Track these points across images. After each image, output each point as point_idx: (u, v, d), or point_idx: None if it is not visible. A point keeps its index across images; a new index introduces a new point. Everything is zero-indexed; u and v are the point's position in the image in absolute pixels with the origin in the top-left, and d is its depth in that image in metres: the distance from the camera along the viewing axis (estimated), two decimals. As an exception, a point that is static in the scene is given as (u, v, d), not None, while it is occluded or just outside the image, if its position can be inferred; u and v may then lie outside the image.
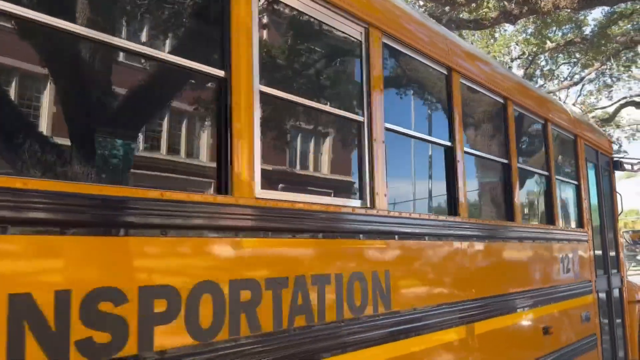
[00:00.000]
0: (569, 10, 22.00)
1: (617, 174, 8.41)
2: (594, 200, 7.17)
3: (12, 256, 1.71)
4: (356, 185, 3.27)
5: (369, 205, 3.23)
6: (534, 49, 28.29)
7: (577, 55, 28.36)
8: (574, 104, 33.58)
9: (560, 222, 5.93)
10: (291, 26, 3.25)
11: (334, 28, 3.24)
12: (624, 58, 27.63)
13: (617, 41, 24.11)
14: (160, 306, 2.05)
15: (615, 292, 7.35)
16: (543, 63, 30.55)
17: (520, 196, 4.97)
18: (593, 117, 32.44)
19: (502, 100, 4.93)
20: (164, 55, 2.46)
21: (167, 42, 2.71)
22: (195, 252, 2.24)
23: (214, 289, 2.26)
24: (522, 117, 5.38)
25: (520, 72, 30.08)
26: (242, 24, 2.56)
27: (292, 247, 2.65)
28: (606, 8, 23.22)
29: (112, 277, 1.93)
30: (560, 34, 28.04)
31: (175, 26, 2.68)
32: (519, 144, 5.29)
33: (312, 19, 3.10)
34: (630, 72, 30.19)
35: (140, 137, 2.75)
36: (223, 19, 2.54)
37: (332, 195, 3.27)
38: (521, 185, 5.16)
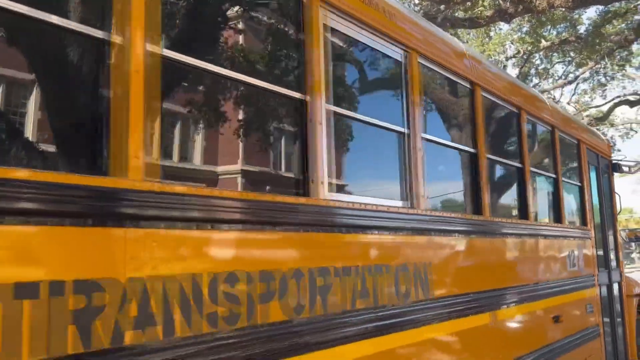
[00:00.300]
0: (563, 9, 22.54)
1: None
2: (595, 200, 7.87)
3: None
4: (402, 189, 3.89)
5: (412, 205, 3.86)
6: (529, 48, 28.73)
7: (572, 54, 28.71)
8: (568, 103, 34.25)
9: (567, 221, 6.61)
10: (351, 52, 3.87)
11: (380, 51, 3.86)
12: (618, 57, 27.99)
13: (611, 40, 24.58)
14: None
15: (615, 287, 8.05)
16: (538, 62, 31.02)
17: (533, 197, 5.63)
18: (587, 115, 33.11)
19: (516, 110, 5.58)
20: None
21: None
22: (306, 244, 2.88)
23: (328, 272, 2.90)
24: (533, 125, 6.04)
25: (515, 71, 30.74)
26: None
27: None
28: (600, 7, 23.48)
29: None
30: (555, 32, 28.35)
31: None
32: (531, 149, 5.95)
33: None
34: (624, 71, 30.76)
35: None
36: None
37: (385, 197, 3.89)
38: (533, 187, 5.81)
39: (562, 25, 27.31)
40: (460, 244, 4.30)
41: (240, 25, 3.26)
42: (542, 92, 30.43)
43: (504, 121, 5.66)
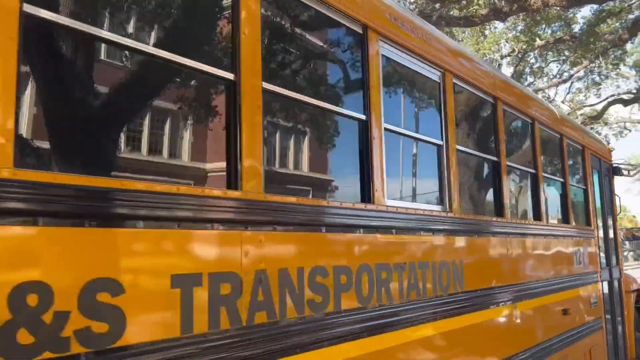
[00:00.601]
0: (558, 8, 23.17)
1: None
2: (597, 201, 8.63)
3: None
4: (439, 195, 4.57)
5: (448, 209, 4.54)
6: (524, 47, 29.20)
7: (566, 53, 29.35)
8: (562, 102, 35.03)
9: (573, 221, 7.35)
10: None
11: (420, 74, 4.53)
12: (612, 56, 28.78)
13: (605, 39, 25.26)
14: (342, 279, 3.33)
15: (615, 283, 8.82)
16: (533, 60, 31.71)
17: (546, 200, 6.35)
18: (581, 114, 33.89)
19: (530, 120, 6.29)
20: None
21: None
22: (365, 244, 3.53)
23: (371, 269, 3.54)
24: (545, 134, 6.74)
25: (510, 70, 31.40)
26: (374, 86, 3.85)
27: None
28: (595, 6, 24.13)
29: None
30: (549, 31, 28.96)
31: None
32: (544, 157, 6.67)
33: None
34: (618, 70, 31.54)
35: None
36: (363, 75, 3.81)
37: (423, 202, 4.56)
38: (545, 191, 6.52)
39: (556, 24, 27.95)
40: (489, 243, 5.00)
41: (320, 60, 3.95)
42: (537, 90, 31.14)
43: (521, 132, 6.37)
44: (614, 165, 9.45)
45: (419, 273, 3.95)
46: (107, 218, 2.24)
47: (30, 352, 1.95)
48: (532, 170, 6.24)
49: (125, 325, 2.22)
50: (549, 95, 32.92)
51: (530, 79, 32.49)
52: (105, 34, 2.51)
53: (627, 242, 36.33)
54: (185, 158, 3.18)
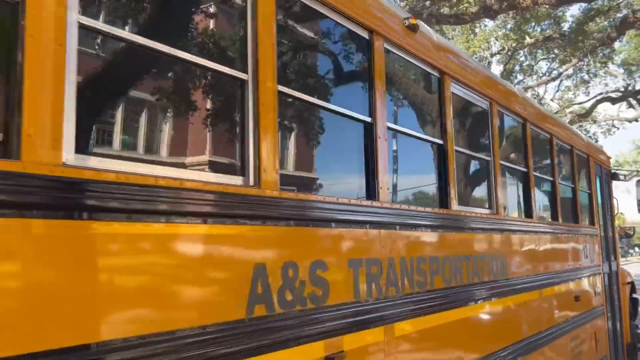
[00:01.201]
0: (547, 6, 24.54)
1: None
2: (599, 204, 10.36)
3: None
4: (485, 196, 6.11)
5: (495, 211, 6.08)
6: (514, 45, 30.23)
7: (556, 51, 30.81)
8: (552, 99, 36.63)
9: (582, 222, 9.01)
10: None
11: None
12: (601, 54, 30.28)
13: (594, 38, 26.65)
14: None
15: (614, 276, 10.54)
16: (522, 58, 32.88)
17: (561, 204, 7.97)
18: (570, 112, 35.49)
19: (548, 136, 7.88)
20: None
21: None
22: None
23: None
24: (559, 147, 8.37)
25: (500, 68, 32.83)
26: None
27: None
28: (584, 4, 25.39)
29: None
30: (539, 29, 30.24)
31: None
32: (559, 166, 8.30)
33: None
34: (606, 68, 32.97)
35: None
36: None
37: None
38: (561, 196, 8.15)
39: (546, 22, 29.34)
40: (529, 240, 6.59)
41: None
42: (527, 88, 32.71)
43: (542, 147, 7.97)
44: (612, 171, 11.24)
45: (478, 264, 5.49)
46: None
47: (289, 304, 3.33)
48: (550, 179, 7.84)
49: (329, 291, 3.63)
50: (538, 93, 34.35)
51: (520, 77, 33.62)
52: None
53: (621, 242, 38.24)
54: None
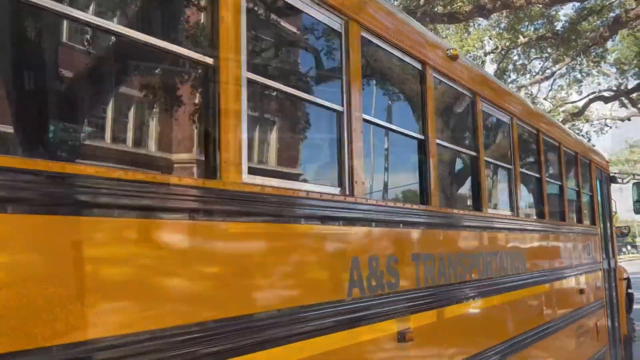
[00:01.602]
0: (540, 6, 25.31)
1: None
2: (599, 205, 11.54)
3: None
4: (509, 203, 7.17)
5: (516, 214, 7.14)
6: (507, 44, 30.74)
7: (549, 50, 31.71)
8: (545, 98, 37.59)
9: (585, 222, 10.17)
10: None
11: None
12: (594, 54, 30.66)
13: (587, 37, 27.38)
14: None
15: (612, 272, 11.73)
16: (516, 58, 33.64)
17: (568, 205, 9.10)
18: (563, 111, 36.47)
19: (557, 144, 8.97)
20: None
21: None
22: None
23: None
24: (566, 154, 9.48)
25: (493, 67, 33.65)
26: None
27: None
28: (577, 4, 26.06)
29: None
30: (532, 29, 30.97)
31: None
32: (566, 172, 9.42)
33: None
34: (599, 67, 33.48)
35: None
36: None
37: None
38: (568, 198, 9.27)
39: (539, 21, 30.06)
40: (538, 239, 7.68)
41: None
42: (520, 87, 33.68)
43: (553, 153, 9.07)
44: (611, 174, 12.48)
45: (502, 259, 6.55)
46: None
47: (374, 289, 4.35)
48: (559, 183, 8.94)
49: (399, 277, 4.64)
50: (531, 92, 35.18)
51: (513, 76, 34.37)
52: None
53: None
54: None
